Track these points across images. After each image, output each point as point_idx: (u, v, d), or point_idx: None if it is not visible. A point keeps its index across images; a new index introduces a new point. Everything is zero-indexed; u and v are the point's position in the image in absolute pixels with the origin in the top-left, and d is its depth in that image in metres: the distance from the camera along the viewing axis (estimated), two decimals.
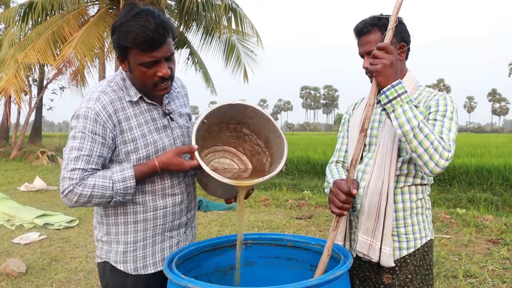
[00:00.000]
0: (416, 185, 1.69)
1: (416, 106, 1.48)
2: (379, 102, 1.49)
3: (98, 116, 1.49)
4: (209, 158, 1.79)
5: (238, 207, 1.62)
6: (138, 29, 1.43)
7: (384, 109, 1.49)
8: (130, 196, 1.54)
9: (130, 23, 1.44)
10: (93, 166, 1.50)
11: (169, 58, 1.53)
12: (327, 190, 1.72)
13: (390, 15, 1.71)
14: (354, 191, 1.52)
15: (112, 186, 1.49)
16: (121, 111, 1.55)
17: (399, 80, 1.47)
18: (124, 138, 1.55)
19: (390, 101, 1.46)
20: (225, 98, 1.67)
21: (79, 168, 1.47)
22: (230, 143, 1.82)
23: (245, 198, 1.72)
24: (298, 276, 1.63)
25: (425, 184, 1.72)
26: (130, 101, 1.58)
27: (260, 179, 1.52)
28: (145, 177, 1.56)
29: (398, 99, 1.45)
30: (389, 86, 1.45)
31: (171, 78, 1.55)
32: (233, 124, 1.75)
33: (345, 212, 1.54)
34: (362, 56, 1.69)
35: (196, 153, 1.50)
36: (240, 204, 1.63)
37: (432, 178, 1.75)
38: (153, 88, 1.54)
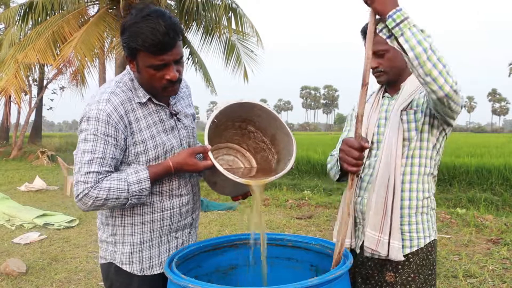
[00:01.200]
0: (423, 175, 1.69)
1: (422, 31, 1.43)
2: (380, 31, 1.46)
3: (110, 117, 1.47)
4: (214, 156, 1.80)
5: (255, 206, 1.60)
6: (148, 31, 1.41)
7: (390, 36, 1.45)
8: (145, 198, 1.53)
9: (140, 25, 1.42)
10: (107, 169, 1.48)
11: (178, 61, 1.51)
12: (329, 166, 1.79)
13: None
14: (366, 144, 1.50)
15: (128, 189, 1.47)
16: (131, 112, 1.53)
17: (401, 6, 1.43)
18: (134, 139, 1.53)
19: (397, 24, 1.41)
20: (225, 98, 1.68)
21: (93, 171, 1.44)
22: (233, 140, 1.83)
23: (245, 197, 1.72)
24: (298, 276, 1.63)
25: (431, 174, 1.72)
26: (139, 102, 1.56)
27: (273, 177, 1.51)
28: (158, 179, 1.55)
29: (406, 22, 1.41)
30: (394, 10, 1.41)
31: (179, 80, 1.54)
32: (238, 122, 1.75)
33: (360, 168, 1.53)
34: None
35: (210, 154, 1.49)
36: (258, 202, 1.59)
37: (437, 169, 1.75)
38: (161, 90, 1.54)
